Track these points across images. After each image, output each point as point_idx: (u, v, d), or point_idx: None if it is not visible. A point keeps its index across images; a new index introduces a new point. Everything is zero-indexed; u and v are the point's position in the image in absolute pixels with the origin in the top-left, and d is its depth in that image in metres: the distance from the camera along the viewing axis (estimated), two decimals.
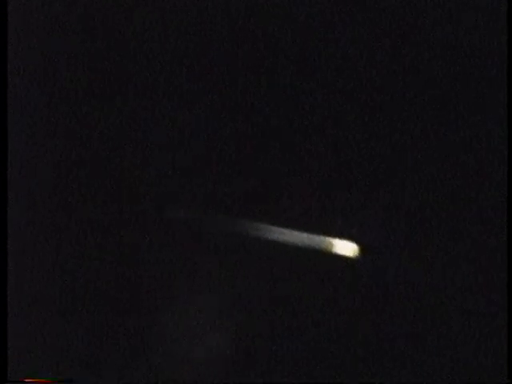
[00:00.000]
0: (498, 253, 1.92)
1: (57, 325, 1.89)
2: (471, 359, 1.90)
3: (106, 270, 1.89)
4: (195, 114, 2.02)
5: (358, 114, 2.08)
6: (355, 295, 2.01)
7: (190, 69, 2.00)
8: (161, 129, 2.00)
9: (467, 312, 1.94)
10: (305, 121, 2.08)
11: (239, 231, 2.03)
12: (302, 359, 1.96)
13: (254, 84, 2.06)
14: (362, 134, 2.08)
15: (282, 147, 2.07)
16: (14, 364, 1.83)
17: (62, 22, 1.95)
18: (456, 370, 1.91)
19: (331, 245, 2.07)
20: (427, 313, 1.97)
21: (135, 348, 1.88)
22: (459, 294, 1.96)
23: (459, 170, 2.06)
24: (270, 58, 2.08)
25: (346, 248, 2.07)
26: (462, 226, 2.04)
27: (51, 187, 1.91)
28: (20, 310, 1.87)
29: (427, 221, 2.07)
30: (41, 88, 1.94)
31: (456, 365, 1.91)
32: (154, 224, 1.94)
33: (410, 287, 2.00)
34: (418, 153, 2.09)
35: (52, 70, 1.95)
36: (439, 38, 2.10)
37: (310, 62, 2.09)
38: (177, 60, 2.00)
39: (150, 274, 1.92)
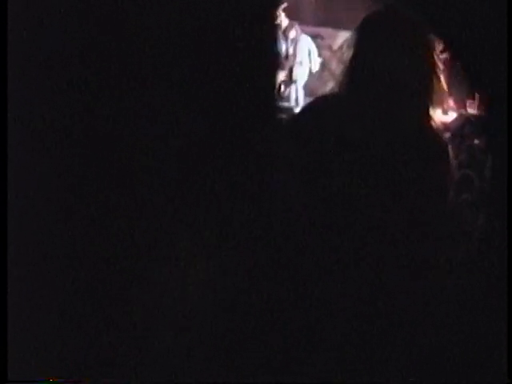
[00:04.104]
0: (499, 252, 1.93)
1: (57, 324, 1.88)
2: (471, 359, 1.91)
3: (108, 270, 1.88)
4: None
5: None
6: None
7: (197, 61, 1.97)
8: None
9: (467, 311, 1.95)
10: None
11: None
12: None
13: None
14: None
15: None
16: (14, 364, 1.82)
17: (61, 18, 1.92)
18: (456, 369, 1.92)
19: None
20: (426, 312, 1.98)
21: (137, 348, 1.88)
22: (459, 293, 1.97)
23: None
24: None
25: None
26: (462, 225, 2.05)
27: (52, 188, 1.89)
28: (20, 310, 1.85)
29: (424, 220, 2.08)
30: (40, 84, 1.92)
31: (456, 364, 1.92)
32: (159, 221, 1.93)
33: (408, 286, 2.01)
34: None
35: (51, 66, 1.93)
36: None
37: None
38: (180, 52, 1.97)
39: (151, 273, 1.92)
